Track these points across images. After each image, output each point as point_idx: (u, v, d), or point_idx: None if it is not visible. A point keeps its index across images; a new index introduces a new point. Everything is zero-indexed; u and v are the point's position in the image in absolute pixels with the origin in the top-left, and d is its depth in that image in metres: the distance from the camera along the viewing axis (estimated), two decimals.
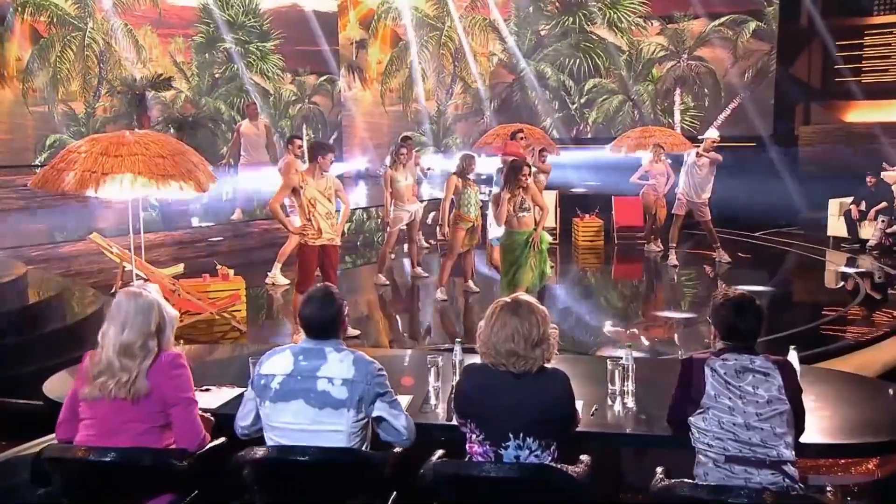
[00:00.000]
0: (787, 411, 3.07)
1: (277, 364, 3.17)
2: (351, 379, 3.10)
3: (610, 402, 3.76)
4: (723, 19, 16.11)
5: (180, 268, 8.96)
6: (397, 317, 8.97)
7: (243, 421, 3.27)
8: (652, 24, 16.79)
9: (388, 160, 9.87)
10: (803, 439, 3.25)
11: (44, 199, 12.14)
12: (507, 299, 3.19)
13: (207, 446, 3.27)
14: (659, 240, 11.59)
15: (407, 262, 10.58)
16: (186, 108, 16.40)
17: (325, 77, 18.80)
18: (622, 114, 17.08)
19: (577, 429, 3.33)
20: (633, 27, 16.88)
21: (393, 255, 10.95)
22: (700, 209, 10.64)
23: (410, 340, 7.91)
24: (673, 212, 10.94)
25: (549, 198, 12.55)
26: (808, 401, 3.67)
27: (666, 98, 16.83)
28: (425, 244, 11.80)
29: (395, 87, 18.91)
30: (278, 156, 11.03)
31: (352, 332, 7.26)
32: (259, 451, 2.98)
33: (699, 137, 11.23)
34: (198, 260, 10.04)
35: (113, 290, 8.58)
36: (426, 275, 9.99)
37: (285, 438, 3.11)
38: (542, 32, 17.73)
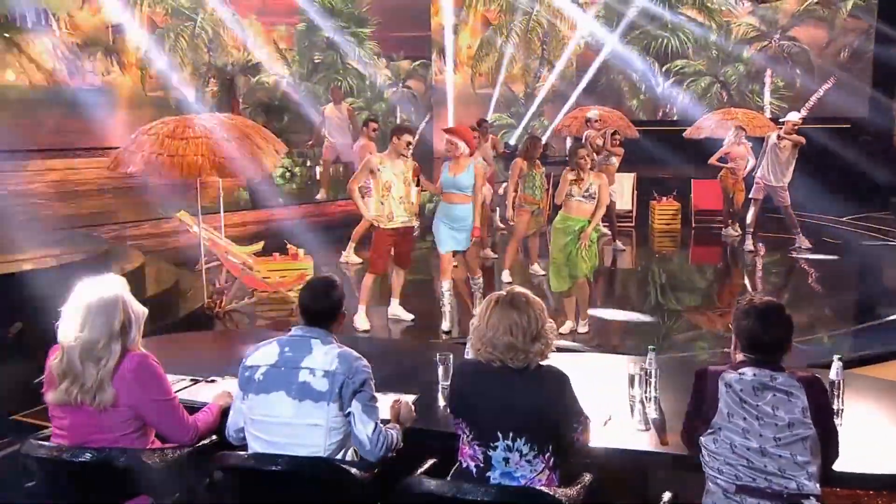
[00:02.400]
0: (811, 437, 2.53)
1: (263, 355, 2.88)
2: (333, 371, 2.78)
3: (629, 412, 3.27)
4: None
5: (260, 245, 8.84)
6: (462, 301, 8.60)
7: (234, 426, 2.96)
8: (743, 4, 15.64)
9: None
10: (840, 467, 2.71)
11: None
12: (503, 292, 2.81)
13: (200, 442, 3.01)
14: (737, 224, 10.78)
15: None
16: (288, 93, 16.45)
17: (418, 62, 18.54)
18: (710, 95, 16.03)
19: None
20: (723, 8, 15.79)
21: None
22: (779, 194, 9.79)
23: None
24: (751, 196, 10.11)
25: (627, 180, 11.94)
26: (850, 418, 3.11)
27: (756, 79, 15.69)
28: (501, 225, 11.36)
29: (484, 70, 18.42)
30: None
31: (406, 316, 6.95)
32: (232, 457, 2.67)
33: (780, 120, 10.30)
34: (279, 238, 9.91)
35: (197, 266, 8.56)
36: (495, 256, 9.57)
37: (265, 433, 2.80)
38: (631, 14, 16.79)
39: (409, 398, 3.31)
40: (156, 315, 6.96)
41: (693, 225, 11.76)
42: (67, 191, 12.21)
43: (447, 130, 6.77)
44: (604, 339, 6.74)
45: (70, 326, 2.81)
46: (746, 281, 9.33)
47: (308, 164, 15.43)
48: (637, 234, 11.59)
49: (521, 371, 2.70)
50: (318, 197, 11.64)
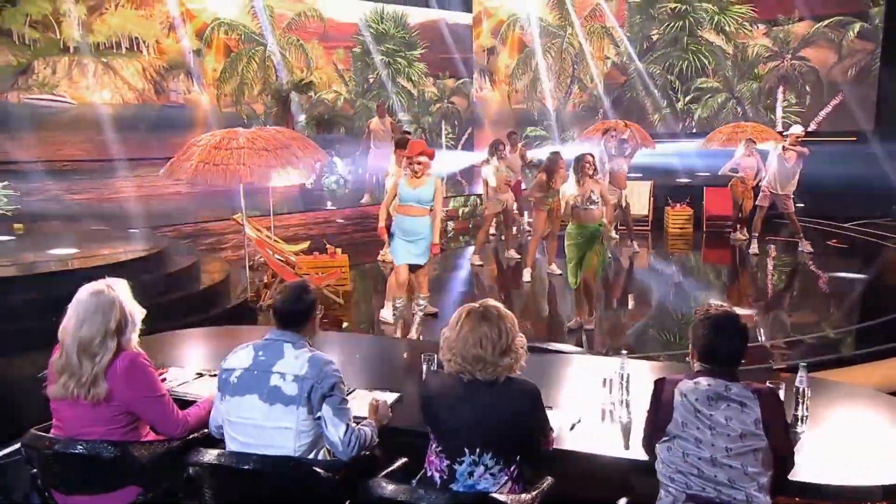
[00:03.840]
0: (763, 448, 2.24)
1: (239, 359, 2.68)
2: (303, 375, 2.57)
3: (601, 416, 2.97)
4: (827, 21, 14.04)
5: (305, 245, 8.74)
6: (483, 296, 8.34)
7: (214, 422, 2.78)
8: (757, 27, 14.99)
9: (487, 154, 9.18)
10: (802, 476, 2.40)
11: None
12: (476, 305, 2.53)
13: (191, 435, 2.84)
14: (745, 229, 10.29)
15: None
16: (345, 108, 16.45)
17: (461, 80, 18.38)
18: (725, 110, 15.43)
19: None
20: (739, 30, 15.17)
21: (502, 237, 10.34)
22: (784, 201, 9.30)
23: None
24: (757, 203, 9.63)
25: (645, 187, 11.55)
26: (816, 426, 2.79)
27: (769, 96, 15.04)
28: (528, 228, 11.06)
29: (520, 88, 18.13)
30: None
31: (430, 309, 6.73)
32: (206, 454, 2.48)
33: (784, 133, 9.77)
34: (327, 238, 9.80)
35: (251, 264, 8.48)
36: (518, 257, 9.29)
37: (240, 434, 2.62)
38: (654, 37, 16.28)
39: (391, 397, 3.09)
40: (206, 306, 6.99)
41: (704, 229, 11.29)
42: (147, 195, 12.32)
43: (413, 154, 5.87)
44: (615, 339, 6.38)
45: (70, 325, 2.68)
46: (752, 281, 8.90)
47: (360, 171, 15.38)
48: (652, 237, 11.18)
49: (490, 384, 2.43)
50: (363, 201, 11.51)
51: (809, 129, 14.01)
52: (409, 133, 9.41)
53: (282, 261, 7.43)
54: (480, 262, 9.06)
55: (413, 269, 6.01)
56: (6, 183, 9.50)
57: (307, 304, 2.72)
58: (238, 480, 2.44)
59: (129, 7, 14.55)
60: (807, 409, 2.85)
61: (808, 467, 2.47)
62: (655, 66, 16.21)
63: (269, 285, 7.44)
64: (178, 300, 6.84)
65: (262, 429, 2.57)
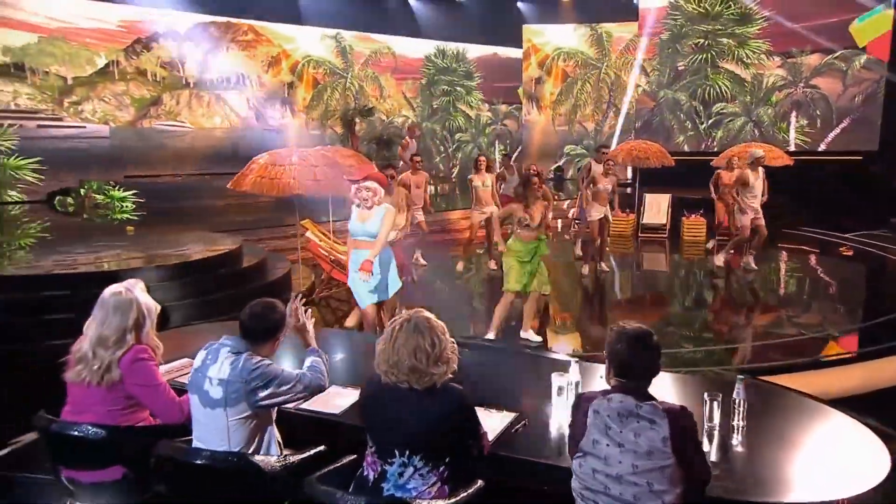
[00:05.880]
0: (670, 466, 1.93)
1: (196, 359, 2.51)
2: (226, 379, 2.36)
3: (547, 420, 2.65)
4: (836, 54, 13.06)
5: None
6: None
7: None
8: (773, 59, 14.03)
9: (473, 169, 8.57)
10: (744, 496, 2.06)
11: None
12: (406, 317, 2.27)
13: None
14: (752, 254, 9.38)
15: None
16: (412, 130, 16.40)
17: (513, 106, 18.04)
18: (743, 133, 14.52)
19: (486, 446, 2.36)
20: (756, 62, 14.25)
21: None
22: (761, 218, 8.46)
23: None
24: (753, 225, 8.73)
25: (664, 200, 10.98)
26: (752, 438, 2.42)
27: (783, 120, 14.06)
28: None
29: (562, 112, 17.64)
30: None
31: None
32: (162, 446, 2.33)
33: (751, 161, 8.74)
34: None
35: (314, 262, 8.42)
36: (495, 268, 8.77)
37: (196, 429, 2.46)
38: (680, 67, 15.48)
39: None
40: (271, 297, 6.96)
41: (716, 238, 10.57)
42: (240, 203, 12.52)
43: (361, 180, 4.55)
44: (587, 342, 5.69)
45: (94, 321, 2.62)
46: (743, 287, 8.18)
47: None
48: (670, 244, 10.58)
49: (427, 392, 2.20)
50: None
51: (819, 150, 13.06)
52: (417, 156, 8.77)
53: (334, 261, 7.34)
54: (461, 270, 8.53)
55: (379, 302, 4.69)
56: (135, 192, 9.77)
57: (270, 324, 2.49)
58: (190, 473, 2.27)
59: (237, 49, 14.92)
60: (743, 419, 2.49)
61: (741, 484, 2.11)
62: (681, 93, 15.41)
63: (324, 281, 7.39)
64: (247, 291, 6.86)
65: (205, 427, 2.41)
